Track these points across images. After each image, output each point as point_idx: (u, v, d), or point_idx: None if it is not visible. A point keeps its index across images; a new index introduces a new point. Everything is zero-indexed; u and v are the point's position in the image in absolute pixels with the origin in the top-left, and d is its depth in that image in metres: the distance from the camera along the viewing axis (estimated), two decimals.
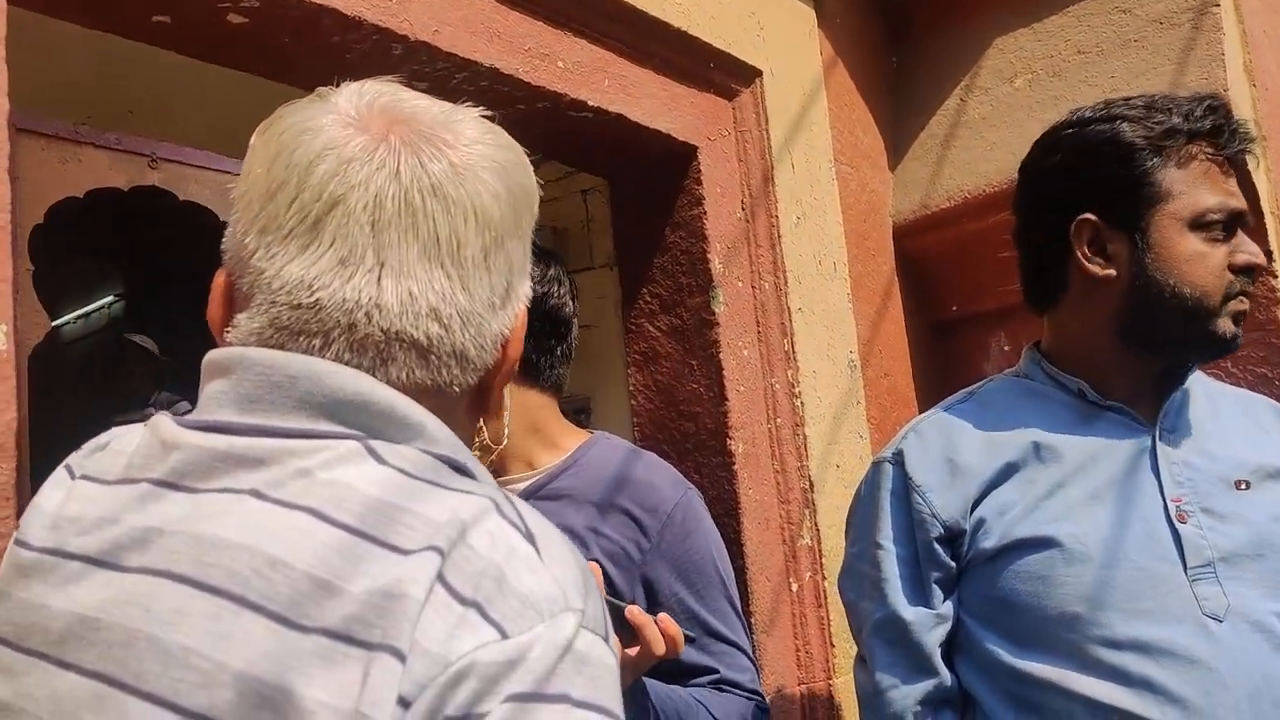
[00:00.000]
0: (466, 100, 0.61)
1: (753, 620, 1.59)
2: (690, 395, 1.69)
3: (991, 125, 2.08)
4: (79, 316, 4.11)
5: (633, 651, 0.91)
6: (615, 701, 0.49)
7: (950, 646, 1.04)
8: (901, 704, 1.01)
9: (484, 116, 0.60)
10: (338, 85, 0.60)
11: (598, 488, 1.10)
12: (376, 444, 0.53)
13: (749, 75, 1.80)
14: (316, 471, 0.52)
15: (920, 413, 2.13)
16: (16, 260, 1.02)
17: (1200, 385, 1.10)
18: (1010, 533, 0.99)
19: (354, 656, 0.46)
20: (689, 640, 0.98)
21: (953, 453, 1.04)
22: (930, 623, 1.02)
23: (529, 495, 1.10)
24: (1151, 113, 1.01)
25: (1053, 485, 1.00)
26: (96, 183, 1.81)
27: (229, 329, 0.57)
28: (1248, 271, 0.99)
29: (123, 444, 0.59)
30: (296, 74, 1.31)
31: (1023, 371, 1.12)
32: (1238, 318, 1.00)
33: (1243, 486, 0.99)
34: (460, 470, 0.56)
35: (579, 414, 1.89)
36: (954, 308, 2.21)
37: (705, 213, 1.69)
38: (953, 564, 1.03)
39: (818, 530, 1.74)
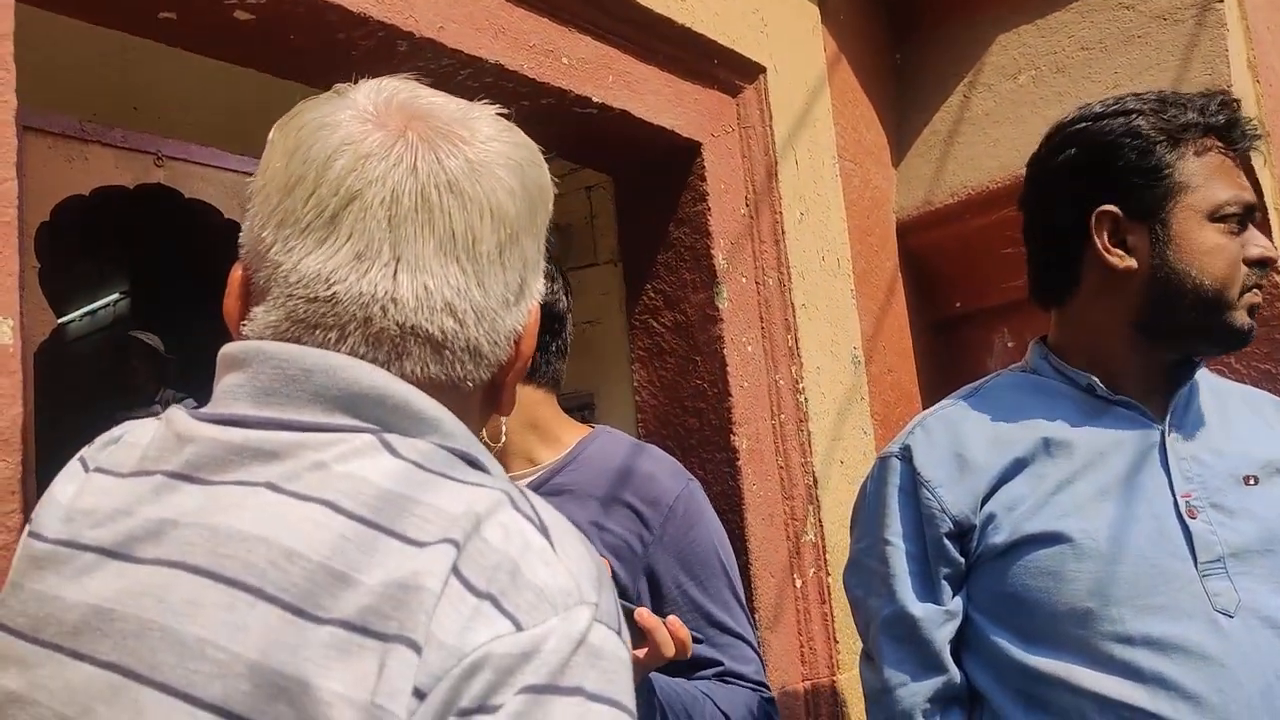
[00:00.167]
0: (470, 96, 0.62)
1: (757, 616, 1.60)
2: (694, 391, 1.69)
3: (995, 121, 2.08)
4: (85, 314, 4.12)
5: (641, 653, 0.91)
6: (628, 695, 0.49)
7: (958, 643, 1.03)
8: (910, 701, 1.00)
9: (499, 114, 0.61)
10: (353, 82, 0.60)
11: (599, 482, 1.10)
12: (391, 437, 0.54)
13: (753, 72, 1.80)
14: (332, 464, 0.52)
15: (924, 408, 2.13)
16: (23, 257, 1.02)
17: (1206, 381, 1.10)
18: (1020, 528, 0.98)
19: (369, 648, 0.46)
20: (696, 642, 0.99)
21: (961, 448, 1.04)
22: (939, 619, 1.01)
23: None
24: (1166, 107, 1.02)
25: (1062, 480, 0.99)
26: (102, 181, 1.81)
27: (245, 322, 0.57)
28: (1261, 264, 1.00)
29: (136, 437, 0.59)
30: (302, 70, 1.32)
31: (1030, 366, 1.12)
32: (1252, 310, 1.01)
33: (1251, 482, 0.99)
34: (474, 464, 0.56)
35: (583, 410, 1.89)
36: (957, 304, 2.22)
37: (709, 209, 1.69)
38: (962, 560, 1.02)
39: (821, 526, 1.75)
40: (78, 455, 0.62)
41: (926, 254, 2.19)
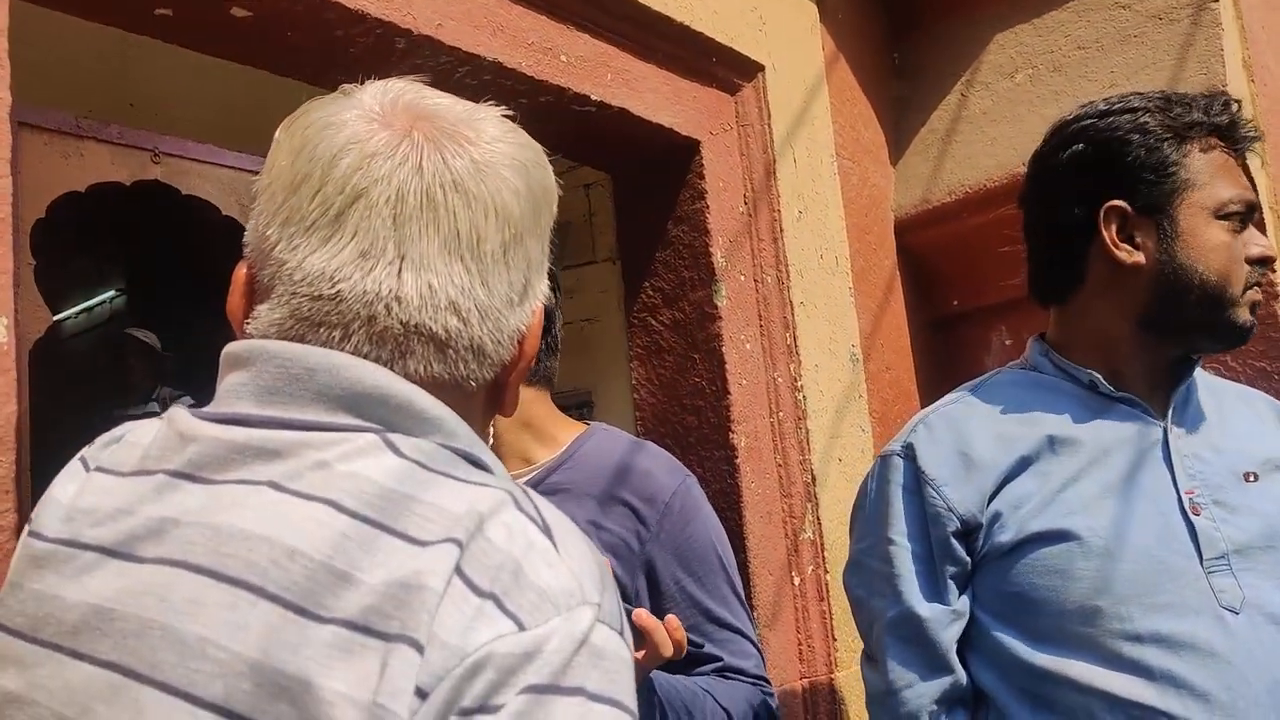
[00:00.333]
0: (468, 94, 0.62)
1: (755, 614, 1.60)
2: (693, 389, 1.69)
3: (992, 120, 2.08)
4: (81, 311, 4.10)
5: (640, 654, 0.90)
6: (630, 696, 0.49)
7: (961, 643, 1.02)
8: (916, 703, 0.99)
9: (505, 116, 0.61)
10: (345, 81, 0.60)
11: (596, 480, 1.09)
12: (394, 437, 0.54)
13: (751, 70, 1.80)
14: (334, 464, 0.52)
15: (922, 406, 2.13)
16: (18, 254, 1.02)
17: (1202, 379, 1.10)
18: (1026, 526, 0.98)
19: (372, 647, 0.46)
20: (695, 646, 0.98)
21: (965, 446, 1.03)
22: (946, 619, 1.00)
23: None
24: (1171, 105, 1.02)
25: (1068, 478, 0.99)
26: (98, 177, 1.81)
27: (249, 320, 0.57)
28: (1261, 263, 1.01)
29: (137, 436, 0.59)
30: (300, 68, 1.32)
31: (1030, 364, 1.11)
32: (1253, 307, 1.01)
33: (1251, 479, 1.00)
34: (477, 464, 0.56)
35: (582, 408, 1.89)
36: (955, 302, 2.22)
37: (708, 207, 1.69)
38: (968, 559, 1.01)
39: (820, 524, 1.75)
40: (78, 454, 0.62)
41: (924, 252, 2.20)
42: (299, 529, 0.50)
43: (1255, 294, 1.01)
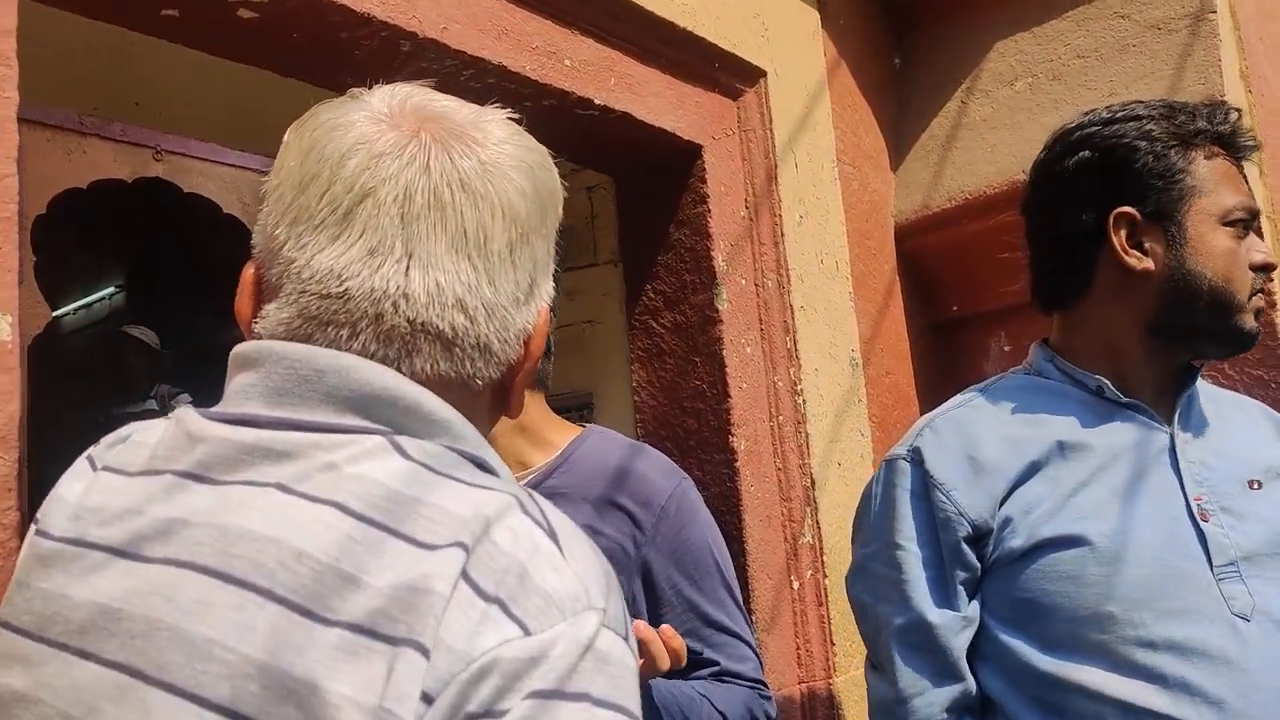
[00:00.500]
0: (472, 97, 0.62)
1: (754, 618, 1.60)
2: (693, 392, 1.70)
3: (992, 127, 2.09)
4: (80, 307, 4.09)
5: (639, 664, 0.90)
6: (634, 702, 0.49)
7: (968, 650, 1.00)
8: (926, 711, 0.97)
9: (511, 119, 0.61)
10: (350, 83, 0.61)
11: (592, 484, 1.08)
12: (402, 439, 0.54)
13: (753, 75, 1.80)
14: (343, 466, 0.52)
15: (921, 411, 2.13)
16: (20, 251, 1.02)
17: (1201, 386, 1.10)
18: (1038, 532, 0.97)
19: (378, 651, 0.46)
20: (694, 654, 0.98)
21: (973, 450, 1.02)
22: (957, 626, 0.98)
23: None
24: (1175, 113, 1.03)
25: (1078, 483, 0.98)
26: (100, 174, 1.81)
27: (257, 320, 0.58)
28: (1264, 269, 1.02)
29: (144, 436, 0.59)
30: (305, 69, 1.32)
31: (1034, 369, 1.11)
32: (1258, 314, 1.02)
33: (1255, 486, 1.00)
34: (483, 467, 0.56)
35: (582, 410, 1.90)
36: (954, 307, 2.23)
37: (709, 211, 1.70)
38: (978, 565, 1.00)
39: (819, 528, 1.75)
40: (85, 454, 0.62)
41: (924, 258, 2.20)
42: (306, 531, 0.50)
43: (1259, 300, 1.02)
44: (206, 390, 0.58)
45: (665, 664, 0.91)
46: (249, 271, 0.59)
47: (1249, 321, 1.01)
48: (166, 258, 3.49)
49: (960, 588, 1.00)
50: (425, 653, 0.46)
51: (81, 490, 0.58)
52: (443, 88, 0.61)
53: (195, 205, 1.92)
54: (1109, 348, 1.05)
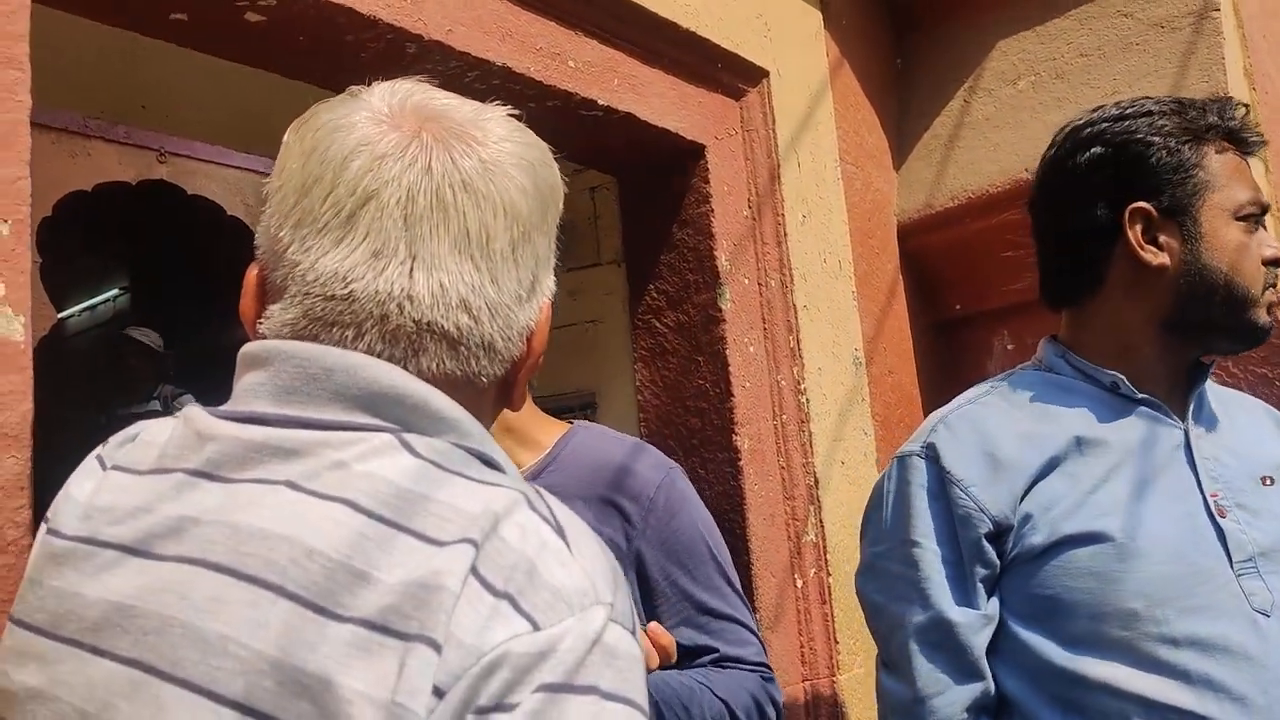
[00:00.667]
0: (477, 98, 0.63)
1: (757, 616, 1.60)
2: (696, 391, 1.70)
3: (995, 126, 2.09)
4: (84, 309, 4.11)
5: None
6: (642, 695, 0.50)
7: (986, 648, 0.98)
8: (947, 711, 0.95)
9: (511, 115, 0.62)
10: (363, 84, 0.61)
11: (582, 482, 1.07)
12: (410, 437, 0.54)
13: (756, 75, 1.81)
14: (352, 464, 0.53)
15: (925, 410, 2.13)
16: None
17: (1208, 385, 1.11)
18: (1059, 528, 0.95)
19: (390, 647, 0.47)
20: (692, 651, 0.97)
21: (990, 446, 1.00)
22: (978, 624, 0.96)
23: None
24: (1185, 109, 1.03)
25: (1097, 479, 0.97)
26: (105, 176, 1.82)
27: (261, 320, 0.58)
28: (1276, 264, 1.02)
29: (153, 435, 0.60)
30: (311, 72, 1.32)
31: (1045, 365, 1.09)
32: (1270, 308, 1.01)
33: (1268, 482, 1.00)
34: (490, 464, 0.56)
35: (585, 409, 1.90)
36: (957, 306, 2.23)
37: (712, 210, 1.70)
38: (998, 562, 0.98)
39: (822, 526, 1.76)
40: (94, 453, 0.62)
41: (927, 257, 2.20)
42: (317, 528, 0.50)
43: (1272, 295, 1.01)
44: (211, 391, 0.59)
45: (654, 662, 0.91)
46: (253, 273, 0.60)
47: (1262, 316, 1.01)
48: (170, 260, 3.50)
49: (980, 585, 0.97)
50: (436, 648, 0.47)
51: (91, 489, 0.59)
52: (448, 89, 0.61)
53: (199, 207, 1.93)
54: (1121, 344, 1.04)
